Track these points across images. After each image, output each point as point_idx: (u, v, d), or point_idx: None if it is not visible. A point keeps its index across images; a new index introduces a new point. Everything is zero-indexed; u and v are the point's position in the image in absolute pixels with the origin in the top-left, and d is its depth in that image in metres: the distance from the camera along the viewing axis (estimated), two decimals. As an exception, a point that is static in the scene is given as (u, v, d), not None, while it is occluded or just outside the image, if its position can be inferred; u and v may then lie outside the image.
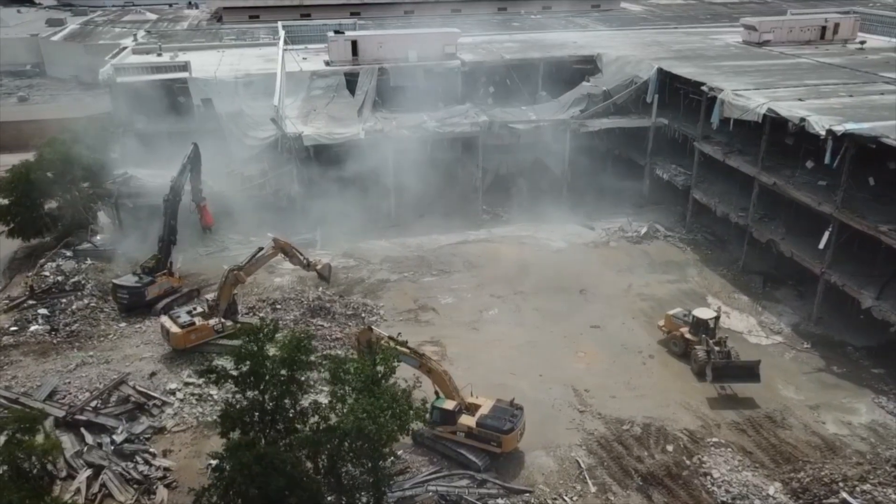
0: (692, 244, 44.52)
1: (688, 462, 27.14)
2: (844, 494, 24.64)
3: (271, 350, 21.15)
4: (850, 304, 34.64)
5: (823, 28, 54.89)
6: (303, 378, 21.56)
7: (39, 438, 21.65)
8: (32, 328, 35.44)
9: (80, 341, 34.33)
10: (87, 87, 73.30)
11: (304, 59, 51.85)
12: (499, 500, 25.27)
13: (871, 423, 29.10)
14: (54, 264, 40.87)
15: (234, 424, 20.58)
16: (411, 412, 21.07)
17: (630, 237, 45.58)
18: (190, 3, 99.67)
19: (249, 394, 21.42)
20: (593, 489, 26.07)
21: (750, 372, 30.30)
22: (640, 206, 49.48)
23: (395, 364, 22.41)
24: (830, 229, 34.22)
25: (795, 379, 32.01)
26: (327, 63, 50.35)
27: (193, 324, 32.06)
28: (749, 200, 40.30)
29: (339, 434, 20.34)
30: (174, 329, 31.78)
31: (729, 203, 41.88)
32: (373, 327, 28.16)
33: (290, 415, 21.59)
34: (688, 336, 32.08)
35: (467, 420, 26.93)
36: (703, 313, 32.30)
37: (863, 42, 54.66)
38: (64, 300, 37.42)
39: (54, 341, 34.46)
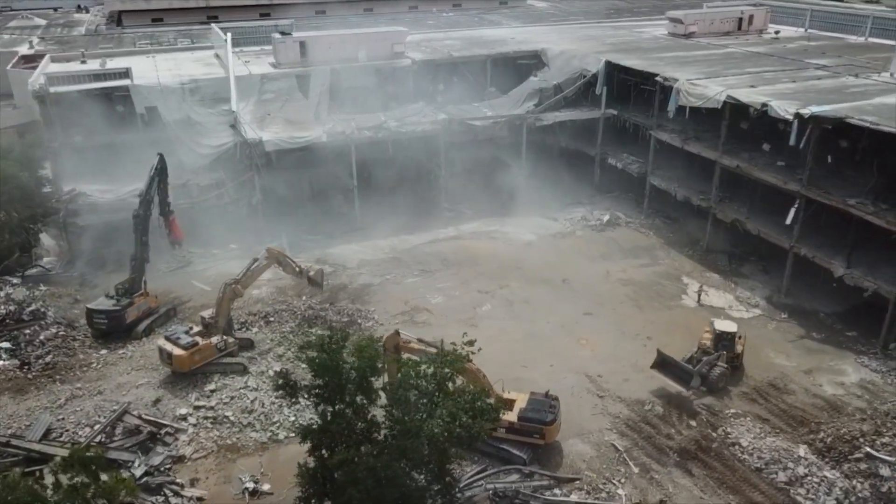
0: (653, 228, 46.44)
1: (714, 434, 28.42)
2: (867, 448, 26.60)
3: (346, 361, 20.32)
4: (815, 274, 37.27)
5: (740, 20, 58.62)
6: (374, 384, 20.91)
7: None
8: (-2, 364, 32.38)
9: (61, 373, 31.65)
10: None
11: (247, 61, 49.88)
12: (556, 491, 25.54)
13: (861, 382, 31.50)
14: (2, 293, 37.43)
15: (333, 439, 19.68)
16: (493, 411, 20.94)
17: (593, 226, 46.96)
18: (79, 6, 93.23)
19: (321, 407, 20.59)
20: (636, 470, 26.83)
21: (685, 378, 30.12)
22: (594, 196, 51.03)
23: (461, 364, 22.15)
24: (797, 206, 36.67)
25: (784, 347, 34.15)
26: (274, 65, 48.66)
27: (196, 344, 30.27)
28: (706, 183, 42.59)
29: (424, 440, 19.89)
30: (177, 351, 29.89)
31: (689, 187, 43.96)
32: (399, 331, 27.58)
33: (361, 425, 20.88)
34: (705, 342, 32.08)
35: (507, 415, 26.97)
36: (723, 325, 32.14)
37: (777, 32, 58.84)
38: (27, 331, 34.32)
39: (29, 376, 31.60)
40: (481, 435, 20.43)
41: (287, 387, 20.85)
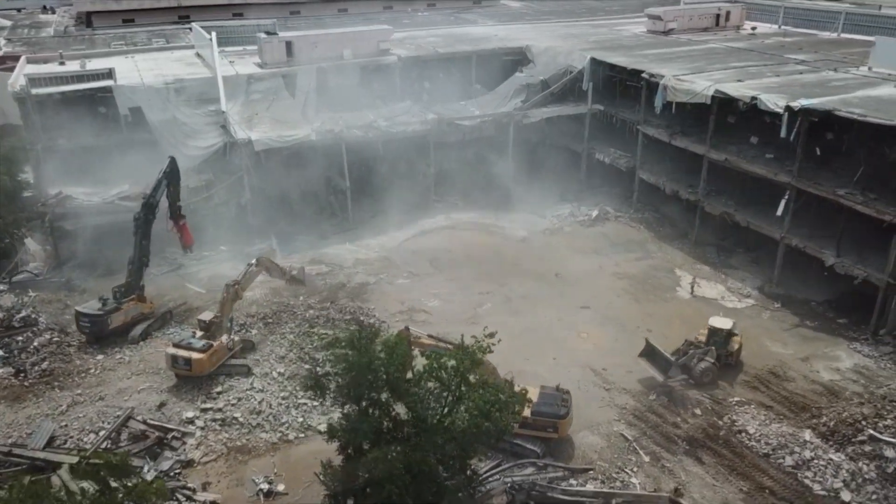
0: (643, 222, 46.96)
1: (720, 422, 28.89)
2: (870, 431, 27.26)
3: (377, 356, 20.23)
4: (803, 263, 38.08)
5: (717, 16, 59.66)
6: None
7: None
8: (-9, 373, 31.53)
9: (59, 380, 30.95)
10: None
11: (232, 61, 49.24)
12: (571, 481, 25.74)
13: (856, 367, 32.27)
14: (-11, 300, 36.50)
15: (363, 438, 19.57)
16: (518, 405, 21.04)
17: (582, 221, 47.37)
18: (45, 7, 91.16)
19: (348, 406, 20.49)
20: (647, 459, 27.17)
21: (665, 367, 30.57)
22: (581, 192, 51.40)
23: (482, 356, 22.16)
24: (787, 197, 37.40)
25: (779, 335, 34.85)
26: (260, 65, 48.15)
27: (211, 346, 29.89)
28: (694, 177, 43.21)
29: (451, 435, 19.92)
30: (196, 356, 29.43)
31: (677, 181, 44.56)
32: (409, 327, 27.54)
33: (388, 423, 20.82)
34: (700, 337, 32.31)
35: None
36: (717, 321, 32.25)
37: (754, 28, 59.99)
38: (20, 338, 33.51)
39: (26, 384, 30.84)
40: (508, 428, 20.51)
41: (317, 387, 20.64)
